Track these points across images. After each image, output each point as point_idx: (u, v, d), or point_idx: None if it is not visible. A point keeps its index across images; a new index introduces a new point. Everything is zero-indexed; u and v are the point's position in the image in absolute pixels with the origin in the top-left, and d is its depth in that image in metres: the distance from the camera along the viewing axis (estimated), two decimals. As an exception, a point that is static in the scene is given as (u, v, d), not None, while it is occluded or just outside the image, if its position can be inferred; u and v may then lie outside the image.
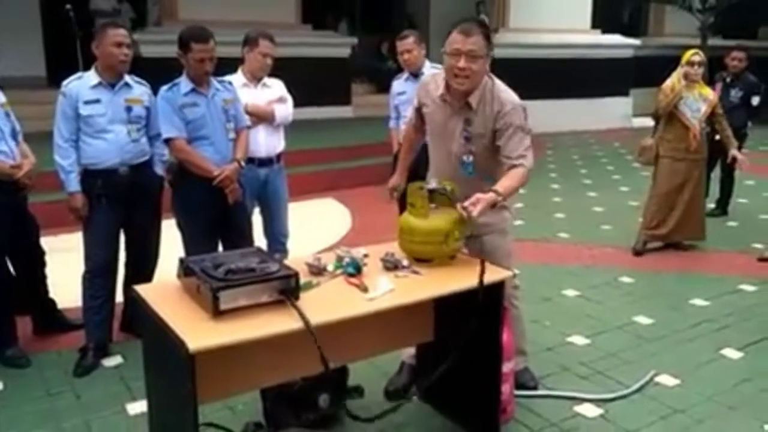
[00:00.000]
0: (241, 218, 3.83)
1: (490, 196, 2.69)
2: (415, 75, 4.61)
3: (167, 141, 3.56)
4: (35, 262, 3.78)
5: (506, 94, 2.91)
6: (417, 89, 3.13)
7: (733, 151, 5.48)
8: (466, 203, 2.63)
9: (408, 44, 4.61)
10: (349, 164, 7.87)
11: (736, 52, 6.57)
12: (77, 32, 8.01)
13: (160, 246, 3.82)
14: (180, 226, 3.70)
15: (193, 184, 3.58)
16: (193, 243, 3.60)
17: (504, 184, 2.78)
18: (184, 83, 3.56)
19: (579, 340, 3.89)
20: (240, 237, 3.71)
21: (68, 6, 8.01)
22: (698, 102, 5.29)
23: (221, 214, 3.67)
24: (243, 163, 3.72)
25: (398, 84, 4.85)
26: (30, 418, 3.04)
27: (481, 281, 2.53)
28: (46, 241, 3.85)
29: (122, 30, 3.49)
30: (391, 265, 2.67)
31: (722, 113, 5.47)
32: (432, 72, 4.16)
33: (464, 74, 2.77)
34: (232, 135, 3.70)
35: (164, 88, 3.56)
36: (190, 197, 3.62)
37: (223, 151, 3.65)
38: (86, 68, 3.59)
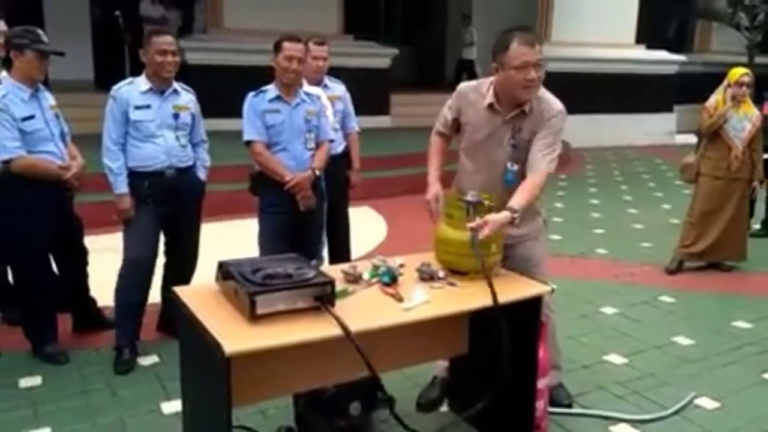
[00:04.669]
0: (312, 225, 3.89)
1: (504, 216, 2.66)
2: (313, 85, 4.11)
3: (247, 143, 3.65)
4: (78, 261, 3.86)
5: (550, 96, 2.93)
6: (455, 98, 3.08)
7: (755, 183, 5.37)
8: (473, 224, 2.60)
9: (324, 51, 4.28)
10: (386, 173, 7.89)
11: (785, 71, 6.42)
12: (126, 37, 8.19)
13: (198, 249, 3.87)
14: (260, 229, 3.80)
15: (270, 189, 3.68)
16: (263, 245, 3.71)
17: (520, 199, 2.74)
18: (271, 90, 3.67)
19: (616, 359, 3.82)
20: (308, 244, 3.75)
21: (117, 12, 8.20)
22: (743, 121, 5.18)
23: (295, 220, 3.73)
24: (318, 173, 3.77)
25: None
26: (67, 414, 3.09)
27: (494, 300, 2.46)
28: (88, 241, 3.93)
29: (168, 37, 3.56)
30: (426, 276, 2.65)
31: (757, 135, 5.32)
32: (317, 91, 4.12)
33: (535, 85, 2.78)
34: (311, 145, 3.77)
35: (252, 93, 3.68)
36: (268, 202, 3.73)
37: (299, 159, 3.71)
38: (133, 73, 3.67)
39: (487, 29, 14.31)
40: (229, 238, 4.10)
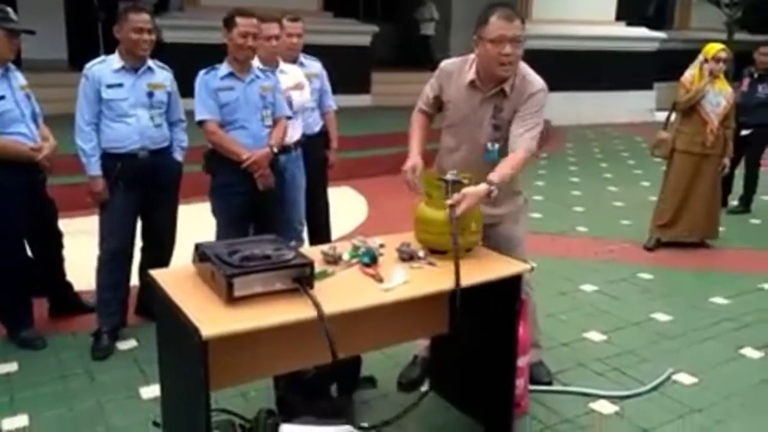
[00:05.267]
0: (273, 205, 3.79)
1: (482, 188, 2.61)
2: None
3: (200, 123, 3.55)
4: (53, 244, 3.79)
5: (533, 76, 2.90)
6: (437, 76, 3.03)
7: (725, 160, 5.41)
8: (450, 200, 2.56)
9: (299, 28, 4.21)
10: (367, 153, 7.85)
11: (764, 48, 6.43)
12: (99, 15, 8.03)
13: (176, 232, 3.82)
14: (213, 211, 3.70)
15: (225, 169, 3.57)
16: (222, 228, 3.60)
17: (500, 171, 2.70)
18: (223, 67, 3.56)
19: (595, 336, 3.84)
20: (271, 224, 3.65)
21: (91, -11, 8.04)
22: (718, 96, 5.21)
23: (253, 201, 3.64)
24: (276, 150, 3.69)
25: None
26: (44, 400, 3.06)
27: (457, 284, 2.42)
28: (62, 224, 3.87)
29: (144, 15, 3.47)
30: (406, 256, 2.64)
31: (730, 112, 5.35)
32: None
33: (510, 60, 2.74)
34: (268, 122, 3.68)
35: (203, 71, 3.57)
36: (222, 182, 3.62)
37: (257, 136, 3.62)
38: (108, 52, 3.59)
39: (467, 8, 14.24)
40: (208, 220, 4.04)
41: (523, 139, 2.79)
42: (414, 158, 2.89)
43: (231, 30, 3.49)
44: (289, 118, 3.85)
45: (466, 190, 2.59)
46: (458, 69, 2.95)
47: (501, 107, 2.87)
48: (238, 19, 3.48)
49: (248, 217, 3.70)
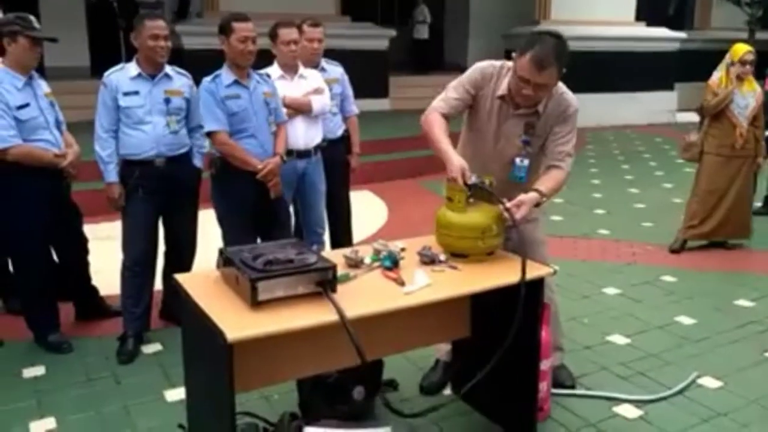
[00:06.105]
0: (283, 213, 3.82)
1: (534, 196, 2.68)
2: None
3: (210, 134, 3.54)
4: (78, 249, 3.85)
5: (569, 94, 2.89)
6: (475, 74, 2.89)
7: (759, 159, 5.37)
8: (509, 204, 2.60)
9: (319, 33, 4.18)
10: (386, 157, 7.85)
11: (787, 46, 6.35)
12: (120, 23, 8.14)
13: (196, 237, 3.85)
14: (220, 220, 3.69)
15: (236, 178, 3.56)
16: (234, 237, 3.57)
17: (547, 184, 2.77)
18: (225, 75, 3.53)
19: (619, 339, 3.82)
20: (281, 231, 3.67)
21: (112, -3, 8.15)
22: (746, 98, 5.15)
23: (263, 209, 3.65)
24: (285, 158, 3.71)
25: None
26: (71, 403, 3.10)
27: (523, 278, 2.46)
28: (88, 229, 3.92)
29: (160, 22, 3.50)
30: (427, 260, 2.64)
31: (759, 111, 5.29)
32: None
33: (529, 99, 2.75)
34: (273, 129, 3.68)
35: (207, 79, 3.54)
36: (233, 191, 3.61)
37: (266, 144, 3.62)
38: (129, 59, 3.63)
39: (484, 13, 14.24)
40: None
41: (564, 160, 2.86)
42: (458, 160, 2.68)
43: (229, 36, 3.46)
44: (284, 122, 3.84)
45: (522, 196, 2.66)
46: (497, 74, 2.88)
47: (533, 124, 2.85)
48: (235, 24, 3.45)
49: (257, 225, 3.71)
